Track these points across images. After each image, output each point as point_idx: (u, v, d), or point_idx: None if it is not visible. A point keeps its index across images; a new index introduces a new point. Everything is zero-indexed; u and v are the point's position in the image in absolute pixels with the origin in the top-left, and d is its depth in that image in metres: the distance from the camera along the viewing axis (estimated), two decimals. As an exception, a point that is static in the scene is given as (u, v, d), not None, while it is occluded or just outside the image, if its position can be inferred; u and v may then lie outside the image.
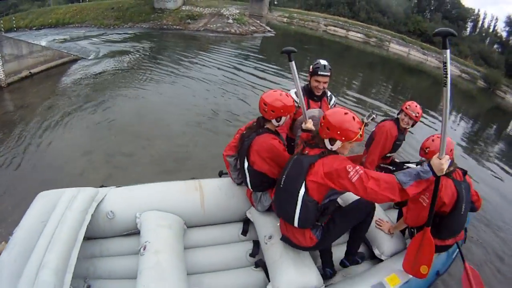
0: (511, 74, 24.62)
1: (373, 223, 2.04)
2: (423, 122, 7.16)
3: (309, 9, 31.26)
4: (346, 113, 1.57)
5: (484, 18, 34.47)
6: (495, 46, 32.37)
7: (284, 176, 1.70)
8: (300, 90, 2.05)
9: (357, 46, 23.76)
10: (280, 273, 1.71)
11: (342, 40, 24.70)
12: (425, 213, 1.74)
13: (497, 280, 3.09)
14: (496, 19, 34.40)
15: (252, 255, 2.04)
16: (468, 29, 34.08)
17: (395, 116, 2.71)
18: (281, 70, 10.36)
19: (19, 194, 3.31)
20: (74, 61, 9.45)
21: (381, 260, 2.07)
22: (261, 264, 1.92)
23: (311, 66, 2.28)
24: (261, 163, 1.91)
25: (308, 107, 2.32)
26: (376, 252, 2.10)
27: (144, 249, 1.72)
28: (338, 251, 2.05)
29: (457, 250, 2.15)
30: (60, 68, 8.68)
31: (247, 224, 2.20)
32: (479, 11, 34.23)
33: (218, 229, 2.19)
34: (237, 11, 21.29)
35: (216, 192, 2.19)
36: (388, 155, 2.81)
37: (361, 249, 2.17)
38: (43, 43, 10.87)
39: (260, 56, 12.72)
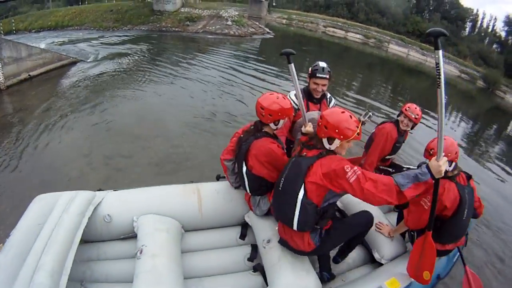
0: (510, 74, 24.64)
1: (373, 226, 2.01)
2: (423, 123, 7.14)
3: (308, 10, 31.35)
4: (343, 112, 1.59)
5: (483, 18, 34.65)
6: (494, 46, 32.47)
7: (282, 178, 1.68)
8: (300, 92, 2.02)
9: (356, 47, 23.82)
10: (279, 277, 1.69)
11: (341, 41, 24.76)
12: (426, 216, 1.72)
13: (498, 282, 3.08)
14: (495, 18, 34.52)
15: (250, 259, 2.01)
16: (467, 29, 34.24)
17: (395, 118, 2.71)
18: (280, 71, 10.36)
19: (17, 196, 3.30)
20: (73, 63, 9.47)
21: (381, 264, 2.05)
22: (259, 268, 1.90)
23: (310, 68, 2.26)
24: (260, 167, 1.88)
25: (308, 109, 2.29)
26: (376, 255, 2.07)
27: (141, 253, 1.70)
28: (335, 252, 2.03)
29: (458, 253, 2.14)
30: (59, 71, 8.69)
31: (245, 228, 2.18)
32: (478, 10, 34.46)
33: (216, 233, 2.18)
34: (236, 13, 21.31)
35: (214, 195, 2.17)
36: (388, 157, 2.80)
37: (361, 252, 2.17)
38: (42, 46, 10.88)
39: (259, 58, 12.75)
